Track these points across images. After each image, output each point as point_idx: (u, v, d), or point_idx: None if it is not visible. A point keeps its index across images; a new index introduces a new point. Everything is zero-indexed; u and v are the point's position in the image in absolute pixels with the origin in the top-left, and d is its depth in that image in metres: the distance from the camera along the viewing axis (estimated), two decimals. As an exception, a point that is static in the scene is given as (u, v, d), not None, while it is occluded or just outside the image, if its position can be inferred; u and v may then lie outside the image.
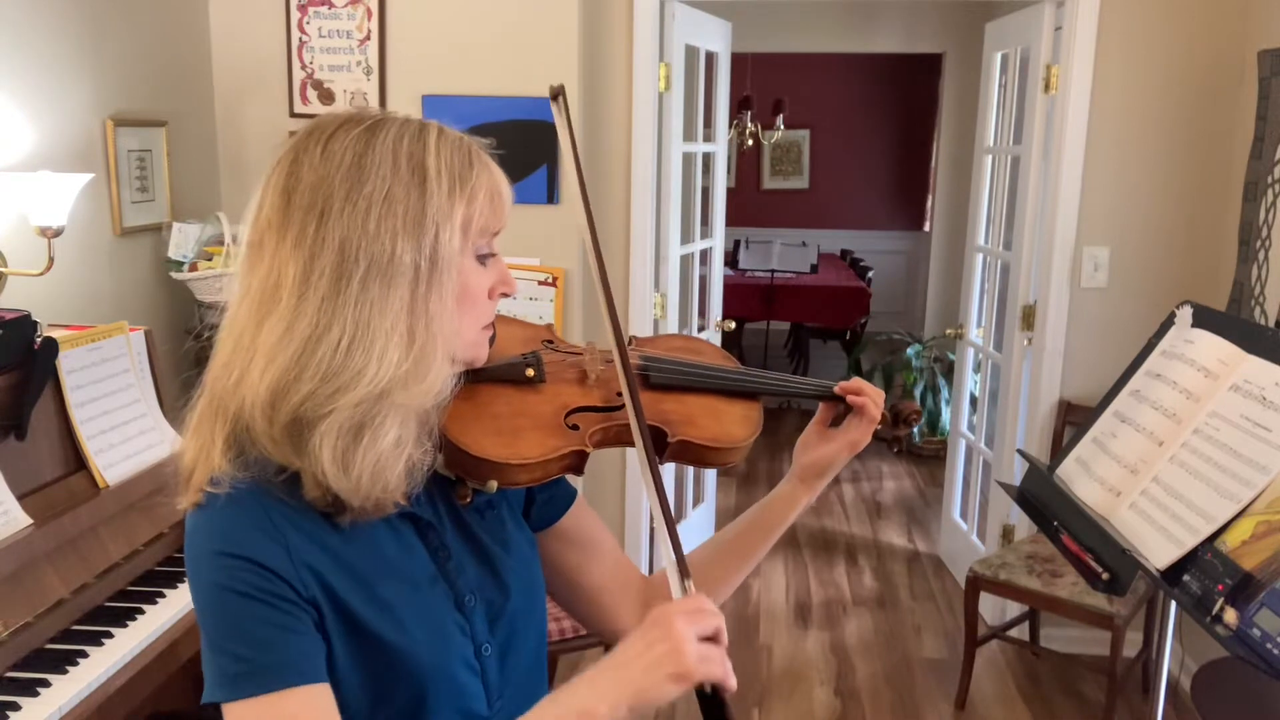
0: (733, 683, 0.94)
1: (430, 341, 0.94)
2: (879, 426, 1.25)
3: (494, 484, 1.02)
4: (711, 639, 0.94)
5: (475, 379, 1.06)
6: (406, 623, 0.98)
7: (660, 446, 1.12)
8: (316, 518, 0.96)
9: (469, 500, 1.07)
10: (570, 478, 1.12)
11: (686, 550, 1.07)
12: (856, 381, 1.23)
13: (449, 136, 0.98)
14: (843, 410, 1.24)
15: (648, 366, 1.18)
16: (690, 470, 4.05)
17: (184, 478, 0.97)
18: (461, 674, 1.02)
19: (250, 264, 0.96)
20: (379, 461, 0.93)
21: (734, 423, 1.17)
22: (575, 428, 1.08)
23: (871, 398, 1.21)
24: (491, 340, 1.05)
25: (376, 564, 0.98)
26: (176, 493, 0.98)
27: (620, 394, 1.09)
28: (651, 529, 3.75)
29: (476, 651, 1.04)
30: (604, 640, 1.29)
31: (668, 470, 3.83)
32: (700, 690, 0.94)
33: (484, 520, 1.09)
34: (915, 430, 5.53)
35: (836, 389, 1.22)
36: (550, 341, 1.19)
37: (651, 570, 3.66)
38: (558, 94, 1.10)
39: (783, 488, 1.25)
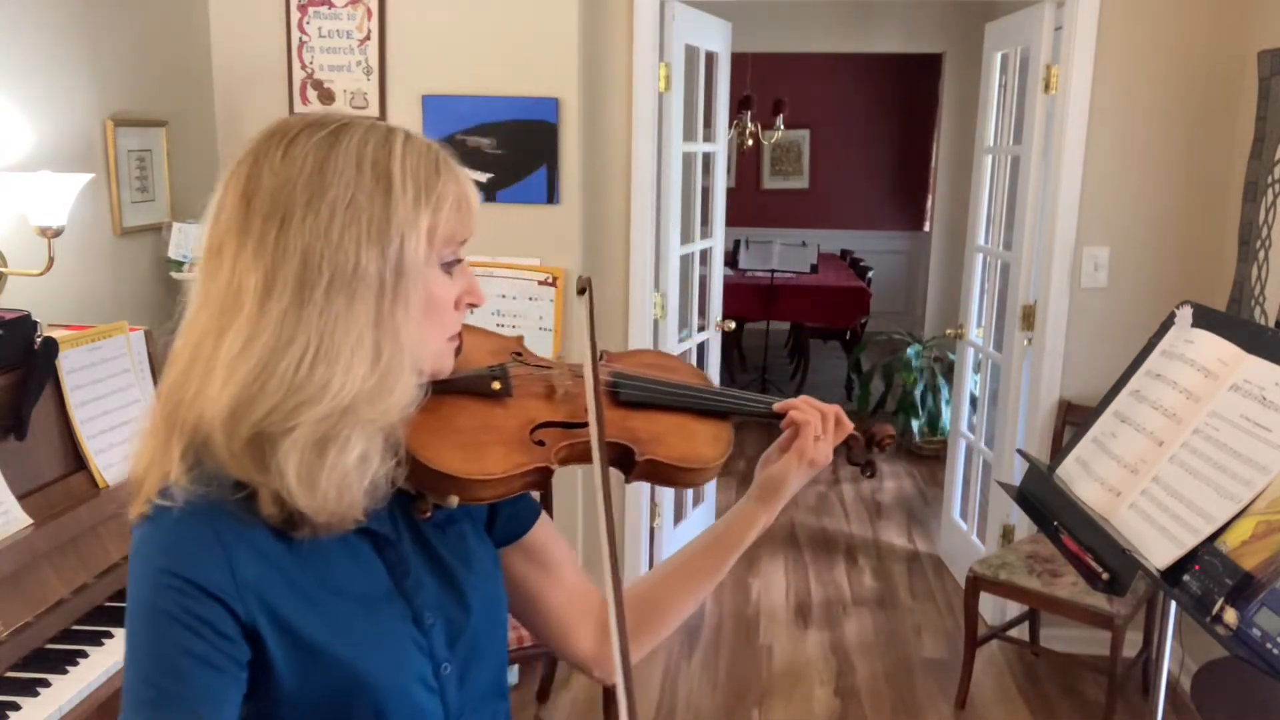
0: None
1: (397, 354, 0.91)
2: (850, 450, 1.21)
3: (455, 499, 0.99)
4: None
5: (439, 391, 1.02)
6: (361, 642, 0.95)
7: (627, 465, 1.09)
8: (269, 535, 0.93)
9: (429, 515, 1.03)
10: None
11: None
12: (799, 400, 1.18)
13: (415, 143, 0.95)
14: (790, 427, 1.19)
15: (617, 383, 1.14)
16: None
17: (134, 487, 0.94)
18: (419, 693, 0.99)
19: (209, 271, 0.92)
20: (344, 478, 0.90)
21: (704, 442, 1.14)
22: (541, 443, 1.05)
23: (808, 415, 1.16)
24: (457, 351, 1.03)
25: (330, 582, 0.96)
26: (127, 502, 0.95)
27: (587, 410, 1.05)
28: (652, 531, 3.75)
29: (435, 670, 1.01)
30: (558, 657, 1.26)
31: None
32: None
33: (445, 536, 1.06)
34: (916, 432, 5.53)
35: (775, 407, 1.18)
36: (519, 354, 1.15)
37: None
38: (584, 289, 1.05)
39: (741, 506, 1.20)
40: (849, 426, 1.19)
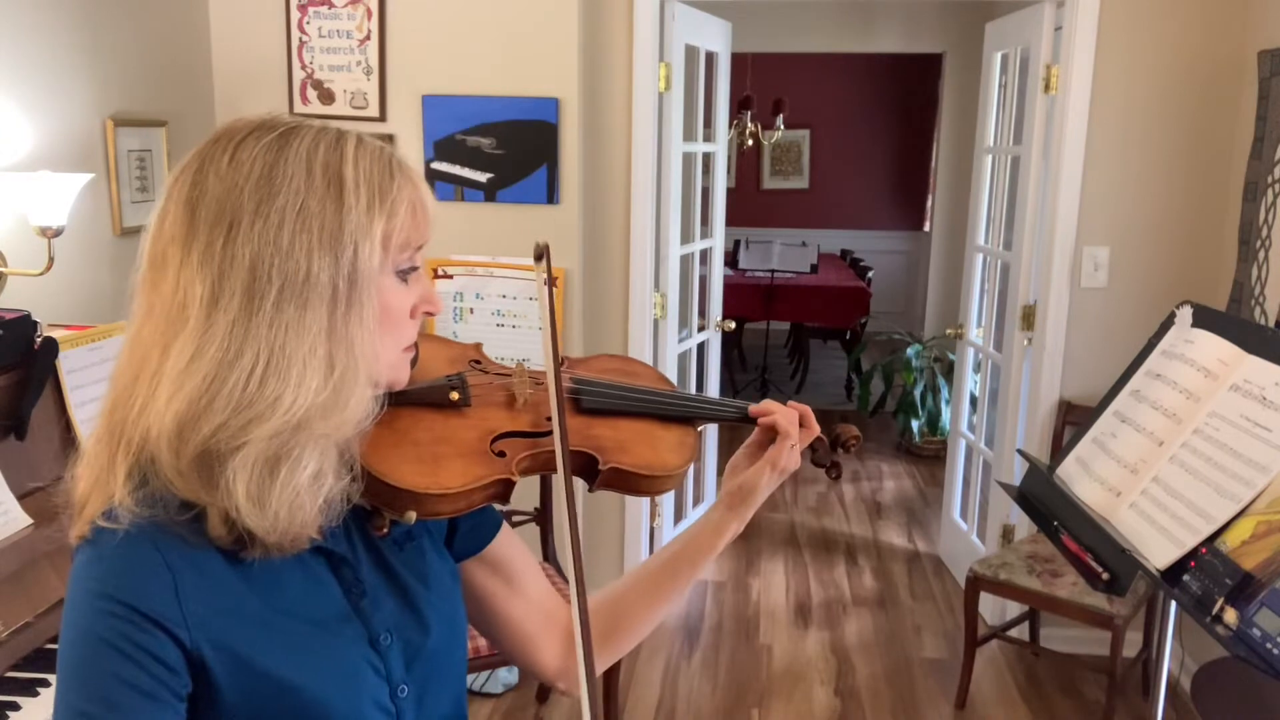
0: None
1: (351, 366, 0.88)
2: (815, 452, 1.18)
3: (413, 515, 0.96)
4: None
5: (395, 403, 0.98)
6: (313, 665, 0.92)
7: (591, 475, 1.06)
8: (217, 557, 0.89)
9: (386, 532, 1.00)
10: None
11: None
12: (766, 403, 1.15)
13: (368, 146, 0.92)
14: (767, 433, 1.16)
15: (579, 390, 1.10)
16: (689, 469, 4.04)
17: (77, 508, 0.90)
18: (374, 717, 0.96)
19: (152, 281, 0.89)
20: (297, 496, 0.87)
21: (668, 450, 1.11)
22: (502, 454, 1.01)
23: (783, 417, 1.13)
24: (413, 362, 0.99)
25: (282, 604, 0.92)
26: (68, 524, 0.91)
27: (549, 419, 1.02)
28: (651, 531, 3.75)
29: (392, 693, 0.98)
30: (522, 670, 1.22)
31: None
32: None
33: (402, 553, 1.03)
34: (916, 432, 5.53)
35: (751, 411, 1.15)
36: (478, 362, 1.12)
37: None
38: (541, 254, 1.02)
39: (710, 515, 1.17)
40: (816, 429, 1.16)
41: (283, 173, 0.87)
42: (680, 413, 1.15)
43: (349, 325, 0.88)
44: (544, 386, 1.04)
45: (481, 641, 2.59)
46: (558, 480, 0.96)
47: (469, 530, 1.12)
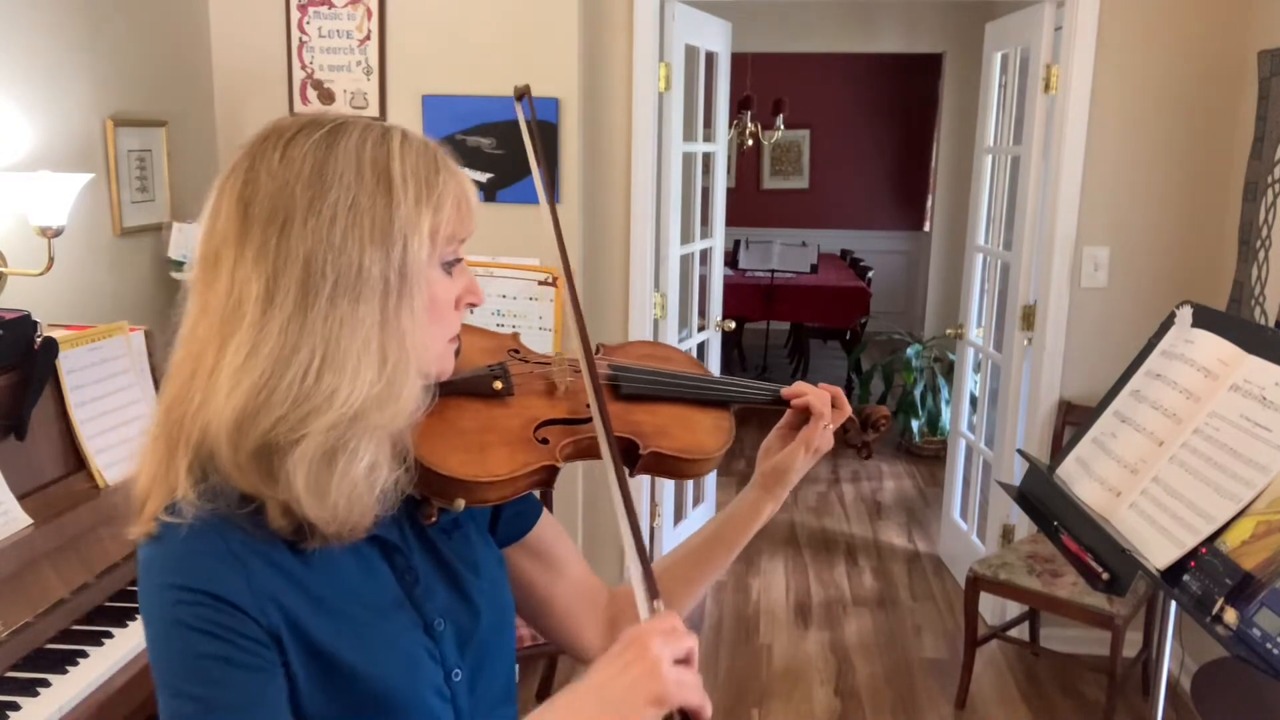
0: (708, 710, 0.88)
1: (403, 358, 0.89)
2: (847, 432, 1.21)
3: (461, 502, 0.97)
4: (684, 661, 0.87)
5: (441, 393, 1.00)
6: (375, 651, 0.94)
7: (632, 459, 1.08)
8: (279, 546, 0.91)
9: (434, 520, 1.02)
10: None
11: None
12: (798, 385, 1.18)
13: (413, 141, 0.93)
14: (799, 414, 1.19)
15: (617, 376, 1.13)
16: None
17: (136, 506, 0.92)
18: (433, 702, 0.97)
19: (207, 280, 0.90)
20: (355, 487, 0.88)
21: (706, 433, 1.13)
22: (545, 441, 1.03)
23: (816, 398, 1.16)
24: (457, 353, 1.01)
25: (341, 591, 0.94)
26: (128, 521, 0.93)
27: (590, 405, 1.04)
28: (651, 531, 3.75)
29: (446, 677, 1.00)
30: (567, 653, 1.24)
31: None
32: (669, 717, 0.88)
33: (451, 540, 1.05)
34: (916, 432, 5.53)
35: (783, 393, 1.18)
36: (516, 351, 1.14)
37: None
38: (523, 94, 1.05)
39: (746, 496, 1.20)
40: (848, 409, 1.19)
41: (333, 169, 0.89)
42: (715, 396, 1.17)
43: (400, 318, 0.90)
44: (581, 375, 1.06)
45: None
46: (598, 467, 0.98)
47: (512, 517, 1.15)
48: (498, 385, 1.05)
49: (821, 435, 1.15)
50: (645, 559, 0.95)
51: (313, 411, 0.86)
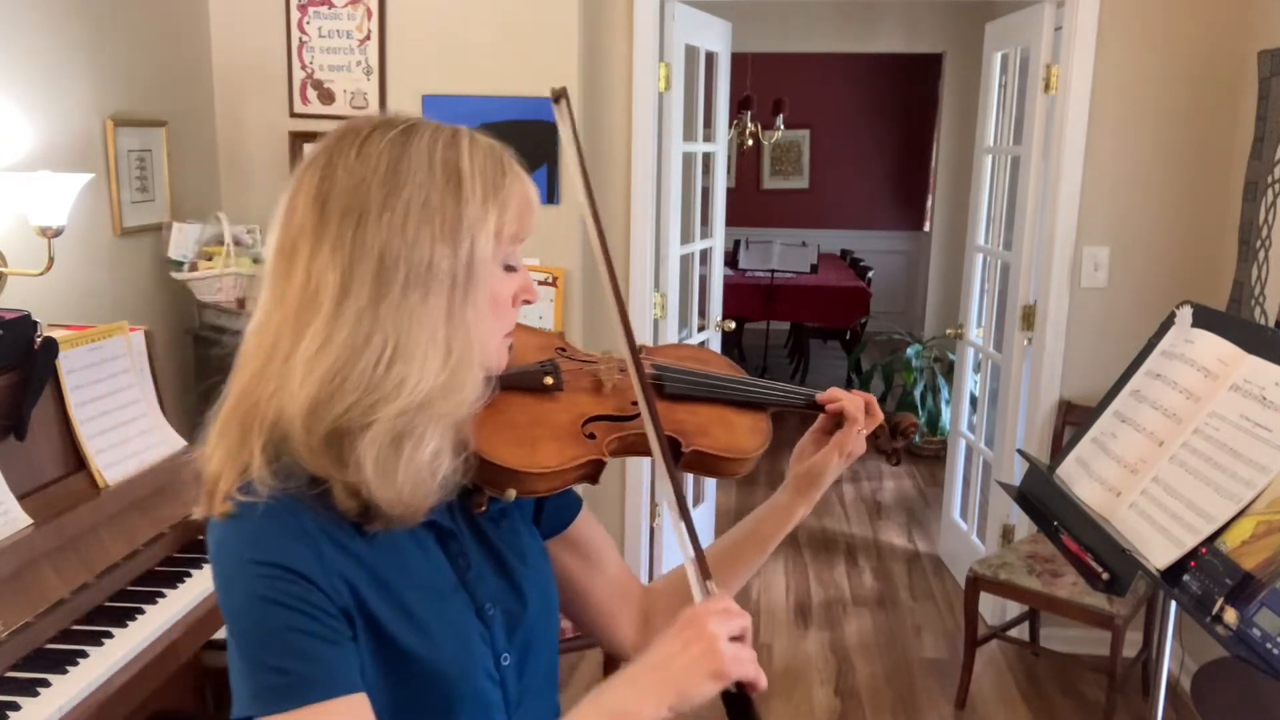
0: (764, 682, 0.95)
1: (466, 350, 0.93)
2: (878, 438, 1.24)
3: (513, 493, 1.02)
4: (739, 638, 0.94)
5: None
6: (433, 633, 0.97)
7: (675, 457, 1.11)
8: (346, 526, 0.95)
9: (484, 509, 1.06)
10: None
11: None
12: (833, 390, 1.23)
13: (480, 143, 0.97)
14: (832, 419, 1.23)
15: (661, 376, 1.17)
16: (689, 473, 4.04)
17: (207, 486, 0.95)
18: (484, 684, 1.01)
19: (283, 271, 0.94)
20: (420, 472, 0.92)
21: (745, 433, 1.17)
22: (592, 436, 1.08)
23: (850, 404, 1.20)
24: (510, 348, 1.04)
25: (403, 573, 0.97)
26: (196, 501, 0.96)
27: (635, 403, 1.08)
28: (651, 531, 3.75)
29: (496, 661, 1.03)
30: (601, 646, 1.28)
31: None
32: (726, 690, 0.95)
33: (499, 529, 1.09)
34: (917, 432, 5.54)
35: (818, 398, 1.22)
36: (564, 349, 1.18)
37: (651, 577, 3.66)
38: (560, 96, 1.08)
39: (779, 498, 1.24)
40: (879, 416, 1.23)
41: (407, 167, 0.92)
42: (754, 399, 1.21)
43: (465, 312, 0.93)
44: (628, 374, 1.09)
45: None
46: (644, 462, 1.01)
47: (555, 510, 1.19)
48: (549, 381, 1.09)
49: (855, 440, 1.19)
50: (698, 544, 1.00)
51: (382, 399, 0.90)
